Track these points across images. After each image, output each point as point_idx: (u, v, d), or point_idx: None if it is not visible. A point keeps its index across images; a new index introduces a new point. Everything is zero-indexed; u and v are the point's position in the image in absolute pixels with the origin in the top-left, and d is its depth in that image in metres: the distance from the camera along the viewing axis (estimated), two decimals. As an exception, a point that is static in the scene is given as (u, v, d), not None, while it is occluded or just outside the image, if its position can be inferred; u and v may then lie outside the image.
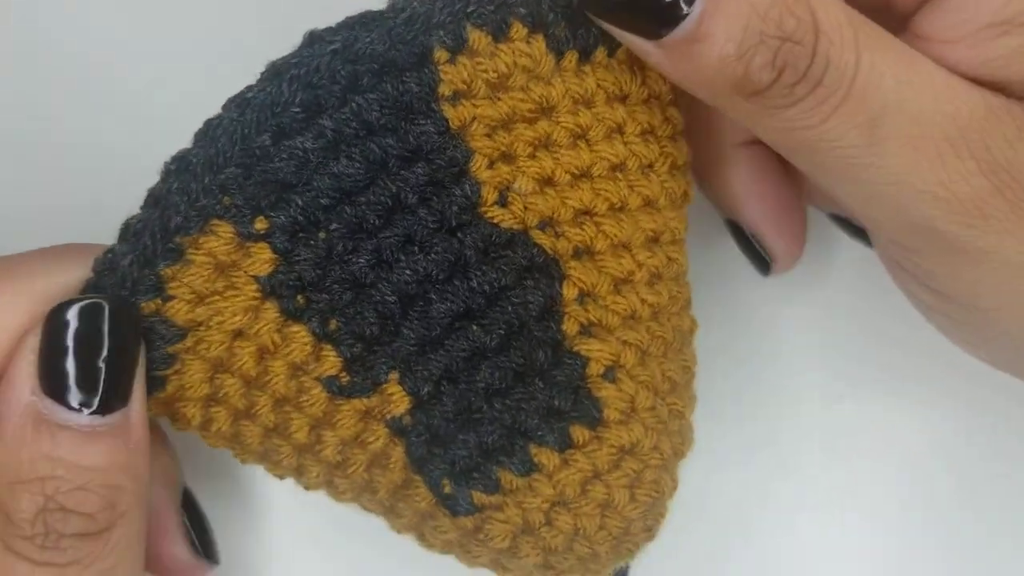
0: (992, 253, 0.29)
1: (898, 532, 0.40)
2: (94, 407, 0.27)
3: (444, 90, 0.28)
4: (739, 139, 0.35)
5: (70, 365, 0.27)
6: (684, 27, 0.28)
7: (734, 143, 0.35)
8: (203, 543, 0.33)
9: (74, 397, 0.27)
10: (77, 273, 0.28)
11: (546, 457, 0.29)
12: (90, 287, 0.28)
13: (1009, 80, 0.29)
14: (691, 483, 0.37)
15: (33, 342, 0.27)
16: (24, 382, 0.27)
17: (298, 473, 0.32)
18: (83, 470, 0.27)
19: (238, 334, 0.29)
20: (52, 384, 0.27)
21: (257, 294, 0.29)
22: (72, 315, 0.27)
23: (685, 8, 0.27)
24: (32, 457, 0.27)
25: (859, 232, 0.37)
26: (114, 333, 0.27)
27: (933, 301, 0.32)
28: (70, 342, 0.27)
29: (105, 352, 0.27)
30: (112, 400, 0.27)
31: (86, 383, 0.27)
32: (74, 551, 0.27)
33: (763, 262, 0.36)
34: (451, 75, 0.28)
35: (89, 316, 0.27)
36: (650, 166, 0.31)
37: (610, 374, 0.30)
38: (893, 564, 0.40)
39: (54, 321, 0.27)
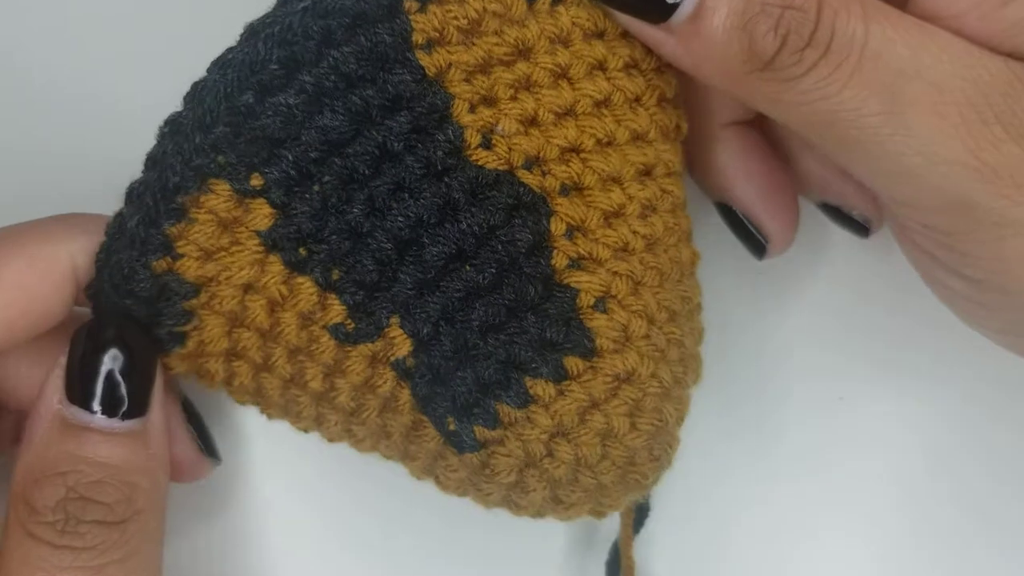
0: (1017, 230, 0.28)
1: (896, 534, 0.39)
2: (116, 415, 0.30)
3: (417, 38, 0.29)
4: (727, 118, 0.34)
5: (95, 377, 0.30)
6: (687, 5, 0.28)
7: (722, 123, 0.34)
8: (205, 443, 0.35)
9: (97, 404, 0.30)
10: (85, 240, 0.30)
11: (541, 389, 0.30)
12: (103, 249, 0.30)
13: (1020, 51, 0.28)
14: (688, 486, 0.38)
15: (62, 359, 0.30)
16: (52, 393, 0.30)
17: (318, 423, 0.33)
18: (103, 466, 0.30)
19: (248, 288, 0.31)
20: (77, 394, 0.30)
21: (260, 248, 0.30)
22: (95, 335, 0.30)
23: None
24: (57, 455, 0.30)
25: (851, 223, 0.36)
26: (132, 352, 0.30)
27: (966, 289, 0.31)
28: (98, 360, 0.30)
29: (124, 366, 0.30)
30: (132, 409, 0.30)
31: (109, 394, 0.30)
32: (91, 537, 0.29)
33: (757, 244, 0.35)
34: (423, 23, 0.29)
35: (112, 335, 0.30)
36: (637, 99, 0.31)
37: (601, 304, 0.30)
38: (892, 566, 0.39)
39: (80, 339, 0.30)
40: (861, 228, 0.35)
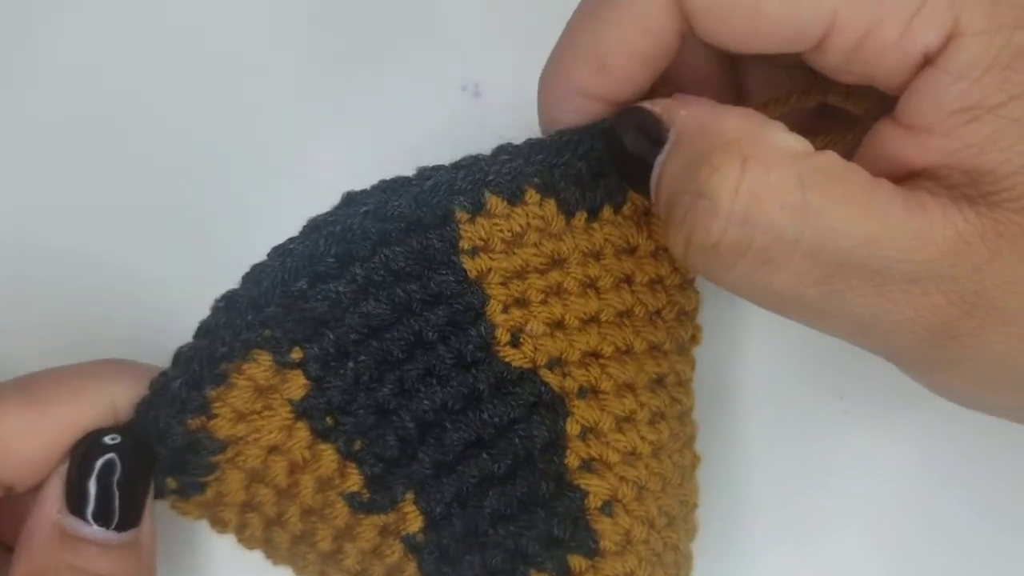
0: (969, 363, 0.29)
1: (897, 534, 0.40)
2: (111, 526, 0.31)
3: (464, 245, 0.32)
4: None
5: (92, 489, 0.31)
6: (653, 179, 0.30)
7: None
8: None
9: (93, 516, 0.31)
10: (127, 384, 0.32)
11: None
12: (144, 403, 0.32)
13: (981, 170, 0.28)
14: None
15: (62, 468, 0.31)
16: (52, 502, 0.31)
17: None
18: None
19: (273, 449, 0.32)
20: (76, 504, 0.31)
21: (290, 415, 0.32)
22: (97, 448, 0.31)
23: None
24: (57, 567, 0.31)
25: None
26: (130, 466, 0.31)
27: (936, 393, 0.32)
28: (93, 470, 0.31)
29: (121, 480, 0.31)
30: (126, 521, 0.31)
31: (104, 505, 0.31)
32: None
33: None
34: (470, 232, 0.32)
35: (111, 450, 0.31)
36: (657, 313, 0.34)
37: (607, 508, 0.32)
38: (894, 565, 0.40)
39: (80, 451, 0.31)
40: None
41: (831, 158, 0.28)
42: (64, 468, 0.31)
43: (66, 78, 0.42)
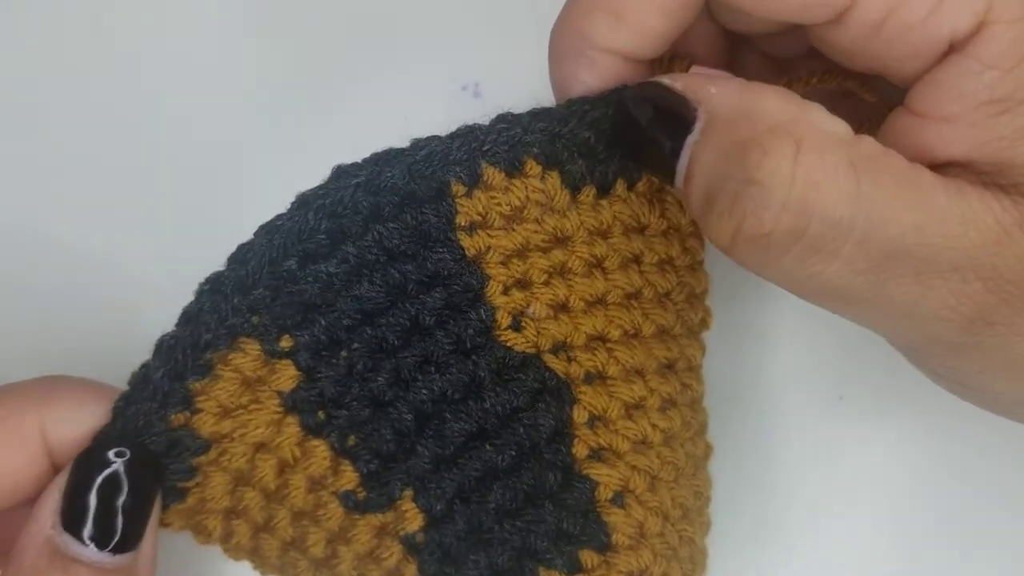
0: (997, 350, 0.28)
1: (899, 532, 0.39)
2: (109, 547, 0.29)
3: (461, 221, 0.30)
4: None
5: (91, 505, 0.28)
6: (680, 168, 0.28)
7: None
8: None
9: (90, 535, 0.28)
10: (56, 407, 0.29)
11: None
12: (123, 398, 0.30)
13: (1012, 162, 0.27)
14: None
15: (60, 480, 0.29)
16: (47, 517, 0.29)
17: None
18: None
19: (260, 447, 0.30)
20: (71, 521, 0.29)
21: (279, 409, 0.30)
22: (99, 461, 0.29)
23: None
24: None
25: None
26: (135, 482, 0.29)
27: (947, 384, 0.32)
28: (94, 485, 0.29)
29: (124, 497, 0.29)
30: (125, 542, 0.29)
31: (103, 524, 0.29)
32: None
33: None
34: (467, 207, 0.30)
35: (116, 464, 0.29)
36: (667, 295, 0.32)
37: (619, 499, 0.30)
38: (897, 564, 0.39)
39: (82, 465, 0.29)
40: None
41: (872, 143, 0.27)
42: (62, 480, 0.29)
43: (63, 77, 0.42)
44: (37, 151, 0.42)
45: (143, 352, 0.30)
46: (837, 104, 0.34)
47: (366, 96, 0.42)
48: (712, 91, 0.28)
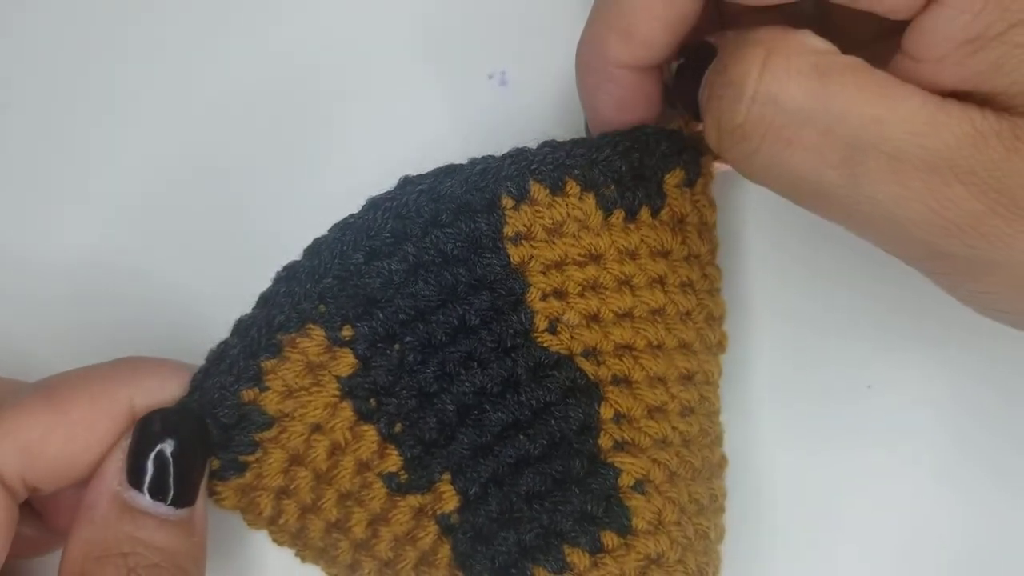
0: (999, 264, 0.30)
1: (927, 522, 0.39)
2: (168, 502, 0.32)
3: (508, 231, 0.34)
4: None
5: (151, 466, 0.32)
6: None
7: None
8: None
9: (150, 491, 0.32)
10: (144, 382, 0.33)
11: (578, 557, 0.32)
12: (202, 371, 0.33)
13: (994, 92, 0.29)
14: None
15: (125, 442, 0.32)
16: (113, 475, 0.32)
17: (351, 570, 0.35)
18: (158, 550, 0.32)
19: (316, 428, 0.33)
20: (136, 479, 0.32)
21: (337, 392, 0.33)
22: (159, 427, 0.32)
23: None
24: (117, 536, 0.31)
25: None
26: (189, 445, 0.32)
27: (981, 310, 0.33)
28: (154, 447, 0.32)
29: (179, 458, 0.32)
30: (182, 498, 0.32)
31: (163, 482, 0.32)
32: None
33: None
34: (515, 219, 0.34)
35: (173, 429, 0.32)
36: (688, 314, 0.36)
37: (640, 487, 0.33)
38: (925, 554, 0.39)
39: (144, 428, 0.32)
40: None
41: (855, 59, 0.30)
42: (126, 443, 0.32)
43: (82, 83, 0.43)
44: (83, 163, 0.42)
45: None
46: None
47: (394, 87, 0.43)
48: (729, 34, 0.33)
